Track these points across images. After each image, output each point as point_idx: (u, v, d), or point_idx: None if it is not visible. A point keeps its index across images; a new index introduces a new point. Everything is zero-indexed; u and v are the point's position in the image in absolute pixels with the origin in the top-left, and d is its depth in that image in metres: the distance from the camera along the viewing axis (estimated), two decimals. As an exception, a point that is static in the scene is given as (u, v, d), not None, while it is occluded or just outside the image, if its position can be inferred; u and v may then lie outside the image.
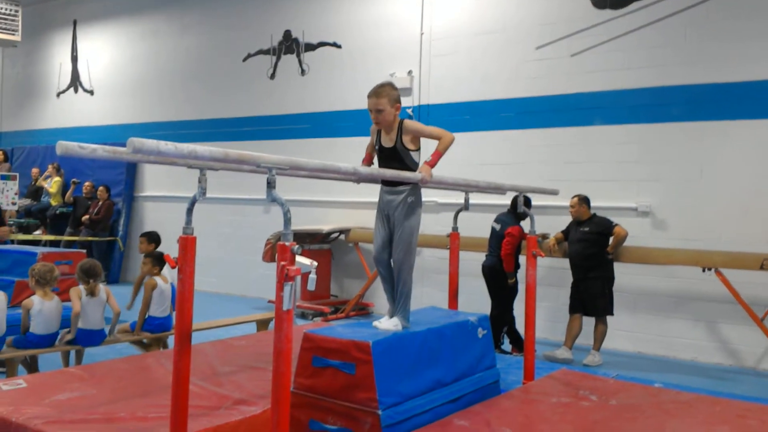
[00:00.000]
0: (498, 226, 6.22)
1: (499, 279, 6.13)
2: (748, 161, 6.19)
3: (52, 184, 11.02)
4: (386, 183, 3.53)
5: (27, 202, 11.23)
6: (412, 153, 3.48)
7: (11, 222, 10.67)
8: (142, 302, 5.07)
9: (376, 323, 3.46)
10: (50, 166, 11.20)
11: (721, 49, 6.32)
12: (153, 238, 5.70)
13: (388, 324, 3.41)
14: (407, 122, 3.47)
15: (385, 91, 3.41)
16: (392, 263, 3.47)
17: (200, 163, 2.81)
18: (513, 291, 6.16)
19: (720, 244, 6.10)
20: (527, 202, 6.15)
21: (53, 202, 11.03)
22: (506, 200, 6.31)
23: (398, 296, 3.45)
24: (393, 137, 3.46)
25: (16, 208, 10.40)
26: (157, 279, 5.13)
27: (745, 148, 6.21)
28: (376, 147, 3.55)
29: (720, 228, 6.24)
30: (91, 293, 4.67)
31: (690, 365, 6.19)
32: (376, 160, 3.65)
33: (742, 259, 5.78)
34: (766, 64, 6.10)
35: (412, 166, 3.47)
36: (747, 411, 3.52)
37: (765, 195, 6.09)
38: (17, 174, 10.33)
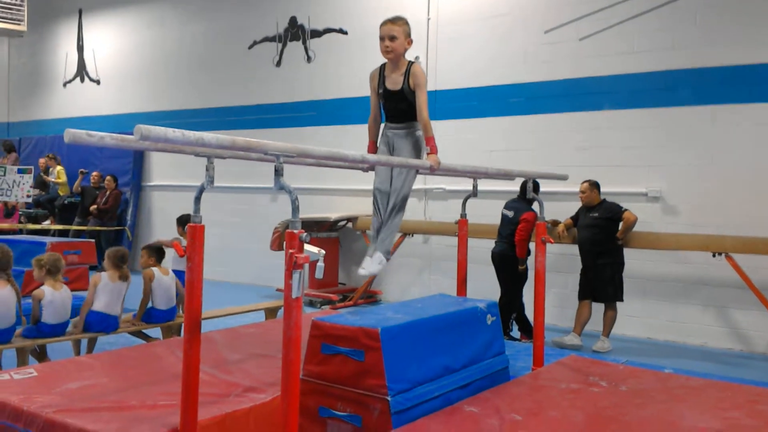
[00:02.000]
0: (511, 213, 6.19)
1: (510, 265, 6.11)
2: (759, 145, 6.12)
3: (57, 175, 11.04)
4: (392, 121, 3.53)
5: (36, 192, 11.28)
6: (416, 94, 3.46)
7: (21, 212, 10.74)
8: (143, 293, 5.09)
9: (361, 270, 3.49)
10: (46, 158, 11.19)
11: (731, 32, 6.24)
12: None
13: (372, 264, 3.44)
14: (416, 67, 3.46)
15: (402, 21, 3.46)
16: (390, 192, 3.49)
17: (208, 150, 2.80)
18: (523, 277, 6.15)
19: (730, 229, 6.05)
20: (536, 186, 6.13)
21: (61, 192, 11.07)
22: (514, 186, 6.30)
23: (386, 226, 3.48)
24: (399, 80, 3.45)
25: (30, 200, 10.45)
26: (155, 270, 5.13)
27: (756, 132, 6.14)
28: (380, 91, 3.52)
29: (731, 213, 6.20)
30: (122, 278, 4.78)
31: (700, 350, 6.17)
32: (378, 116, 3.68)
33: (753, 243, 5.74)
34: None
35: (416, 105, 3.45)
36: (758, 396, 3.50)
37: (776, 179, 6.03)
38: (32, 167, 10.37)
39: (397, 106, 3.48)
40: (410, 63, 3.49)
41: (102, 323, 4.71)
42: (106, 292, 4.72)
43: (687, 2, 6.45)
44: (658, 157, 6.60)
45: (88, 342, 4.85)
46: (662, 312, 6.55)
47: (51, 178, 11.09)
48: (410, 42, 3.49)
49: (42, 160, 11.50)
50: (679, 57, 6.48)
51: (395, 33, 3.42)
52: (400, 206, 3.52)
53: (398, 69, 3.48)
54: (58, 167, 11.11)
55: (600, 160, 6.81)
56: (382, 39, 3.46)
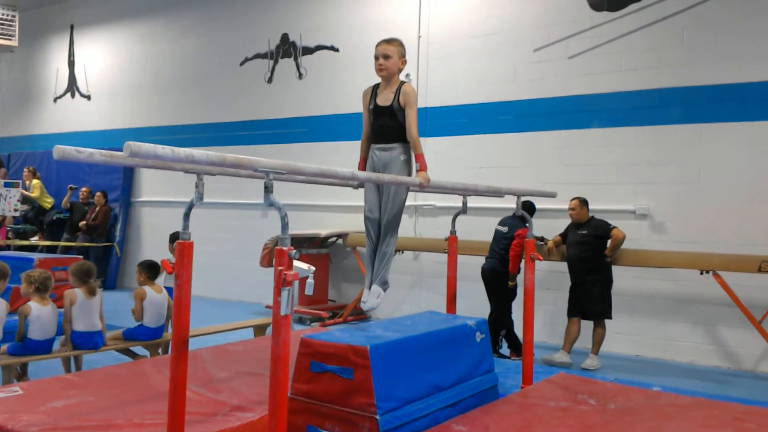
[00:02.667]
0: (505, 229, 6.23)
1: (500, 282, 6.13)
2: (747, 163, 6.19)
3: (32, 189, 10.96)
4: (379, 140, 3.59)
5: (25, 207, 11.20)
6: (405, 113, 3.54)
7: (9, 228, 10.65)
8: (134, 312, 5.05)
9: (362, 304, 3.60)
10: (25, 170, 11.12)
11: (719, 51, 6.33)
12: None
13: (371, 298, 3.51)
14: (407, 86, 3.57)
15: (397, 42, 3.60)
16: (380, 219, 3.57)
17: (197, 167, 2.80)
18: (512, 294, 6.17)
19: (718, 247, 6.10)
20: (532, 208, 6.19)
21: (43, 205, 10.96)
22: (504, 203, 6.32)
23: (379, 256, 3.54)
24: (389, 97, 3.55)
25: (17, 214, 10.37)
26: (147, 289, 5.10)
27: (743, 151, 6.21)
28: (371, 107, 3.61)
29: (718, 230, 6.24)
30: (90, 293, 4.68)
31: (688, 368, 6.18)
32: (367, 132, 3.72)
33: (740, 261, 5.78)
34: (764, 66, 6.11)
35: (403, 124, 3.54)
36: (745, 414, 3.51)
37: (763, 197, 6.09)
38: (20, 181, 10.30)
39: (385, 122, 3.56)
40: (402, 82, 3.61)
41: (89, 341, 4.67)
42: (84, 310, 4.66)
43: (674, 22, 6.55)
44: (646, 175, 6.65)
45: (75, 360, 4.80)
46: (650, 329, 6.57)
47: (28, 193, 11.01)
48: (404, 62, 3.62)
49: (26, 171, 11.42)
50: (667, 76, 6.56)
51: (389, 53, 3.55)
52: (392, 233, 3.58)
53: (390, 87, 3.60)
54: (34, 180, 11.01)
55: (588, 177, 6.86)
56: (376, 58, 3.59)
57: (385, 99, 3.57)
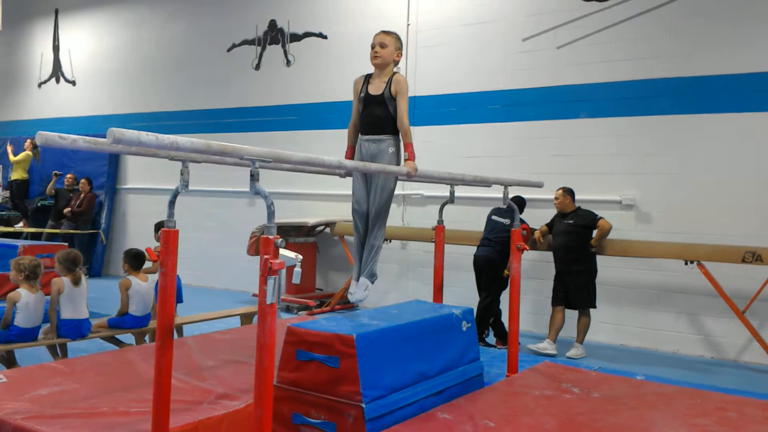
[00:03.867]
0: (506, 221, 6.22)
1: (495, 270, 6.15)
2: (733, 154, 6.24)
3: (19, 155, 10.86)
4: (367, 131, 3.60)
5: (6, 194, 11.09)
6: (395, 102, 3.54)
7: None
8: (120, 302, 5.03)
9: (348, 296, 3.59)
10: (29, 141, 11.00)
11: (707, 42, 6.35)
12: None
13: (358, 290, 3.54)
14: (399, 76, 3.59)
15: (395, 35, 3.64)
16: (367, 212, 3.58)
17: (182, 154, 2.78)
18: (505, 283, 6.20)
19: (703, 238, 6.15)
20: (523, 203, 6.27)
21: (13, 176, 10.84)
22: (492, 193, 6.34)
23: (369, 249, 3.56)
24: (381, 86, 3.56)
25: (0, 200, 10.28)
26: (132, 278, 5.07)
27: (727, 142, 6.26)
28: (362, 95, 3.62)
29: (703, 221, 6.30)
30: (76, 282, 4.65)
31: (672, 358, 6.25)
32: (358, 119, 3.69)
33: (724, 252, 5.84)
34: (751, 57, 6.14)
35: (393, 114, 3.54)
36: (727, 403, 3.55)
37: (748, 189, 6.14)
38: (0, 166, 10.20)
39: (374, 112, 3.55)
40: (394, 72, 3.61)
41: (76, 329, 4.65)
42: (71, 298, 4.65)
43: (662, 12, 6.56)
44: (632, 166, 6.69)
45: (60, 348, 4.78)
46: (635, 319, 6.63)
47: (13, 156, 10.87)
48: (399, 55, 3.63)
49: (9, 147, 11.32)
50: (655, 66, 6.58)
51: (387, 42, 3.58)
52: (381, 224, 3.58)
53: (382, 77, 3.60)
54: (27, 151, 10.90)
55: (576, 167, 6.89)
56: (372, 46, 3.60)
57: (376, 88, 3.57)
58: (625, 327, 6.68)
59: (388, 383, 3.09)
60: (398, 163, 3.60)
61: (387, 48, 3.56)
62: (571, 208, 6.18)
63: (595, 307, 6.06)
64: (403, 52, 3.85)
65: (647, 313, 6.58)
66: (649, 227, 6.57)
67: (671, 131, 6.52)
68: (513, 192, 5.78)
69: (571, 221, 6.09)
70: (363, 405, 2.90)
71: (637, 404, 3.46)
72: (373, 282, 3.61)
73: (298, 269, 5.20)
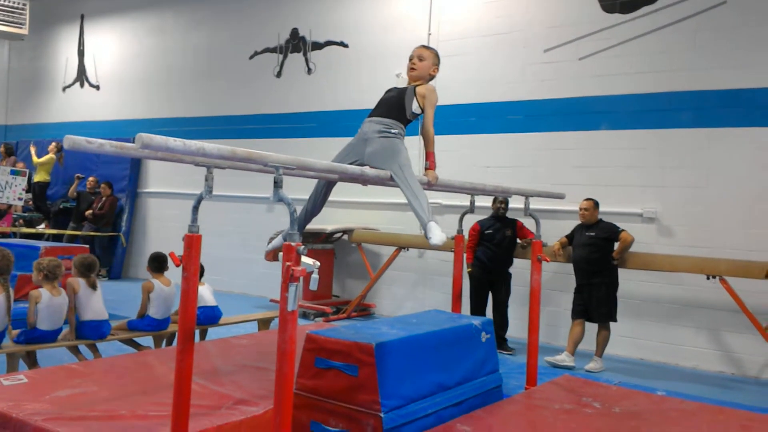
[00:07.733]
0: (509, 231, 6.58)
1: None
2: (755, 169, 6.16)
3: (43, 158, 10.98)
4: (375, 112, 3.51)
5: (29, 196, 11.21)
6: (414, 105, 3.50)
7: (16, 216, 10.68)
8: (140, 305, 5.06)
9: (430, 241, 3.21)
10: (53, 144, 11.13)
11: (729, 56, 6.29)
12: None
13: (436, 233, 3.19)
14: (430, 85, 3.59)
15: (434, 50, 3.67)
16: (408, 195, 3.30)
17: (208, 160, 2.80)
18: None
19: (725, 252, 6.07)
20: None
21: (36, 178, 10.96)
22: (512, 203, 6.37)
23: (426, 208, 3.27)
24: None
25: (21, 203, 10.39)
26: (155, 282, 5.10)
27: (752, 156, 6.17)
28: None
29: (725, 236, 6.21)
30: (92, 287, 4.70)
31: (692, 373, 6.16)
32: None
33: (747, 267, 5.75)
34: (775, 72, 6.07)
35: (407, 112, 3.49)
36: (750, 421, 3.49)
37: (771, 203, 6.05)
38: (27, 170, 10.32)
39: (389, 95, 3.56)
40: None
41: (97, 330, 4.68)
42: (88, 299, 4.68)
43: (686, 25, 6.51)
44: (654, 178, 6.62)
45: (90, 347, 4.81)
46: (655, 333, 6.55)
47: (37, 158, 11.00)
48: (436, 70, 3.65)
49: (33, 148, 11.45)
50: (678, 79, 6.52)
51: (425, 56, 3.60)
52: (422, 191, 3.33)
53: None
54: (51, 154, 11.00)
55: (597, 179, 6.83)
56: (410, 58, 3.61)
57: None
58: (644, 341, 6.59)
59: (407, 393, 3.07)
60: (402, 142, 3.49)
61: (425, 62, 3.57)
62: (594, 220, 6.13)
63: (615, 320, 5.99)
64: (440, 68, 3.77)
65: (667, 327, 6.49)
66: (671, 241, 6.49)
67: (693, 144, 6.45)
68: (534, 203, 5.75)
69: (593, 233, 6.04)
70: (381, 414, 2.89)
71: (660, 420, 3.41)
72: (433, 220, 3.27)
73: (315, 276, 5.19)
